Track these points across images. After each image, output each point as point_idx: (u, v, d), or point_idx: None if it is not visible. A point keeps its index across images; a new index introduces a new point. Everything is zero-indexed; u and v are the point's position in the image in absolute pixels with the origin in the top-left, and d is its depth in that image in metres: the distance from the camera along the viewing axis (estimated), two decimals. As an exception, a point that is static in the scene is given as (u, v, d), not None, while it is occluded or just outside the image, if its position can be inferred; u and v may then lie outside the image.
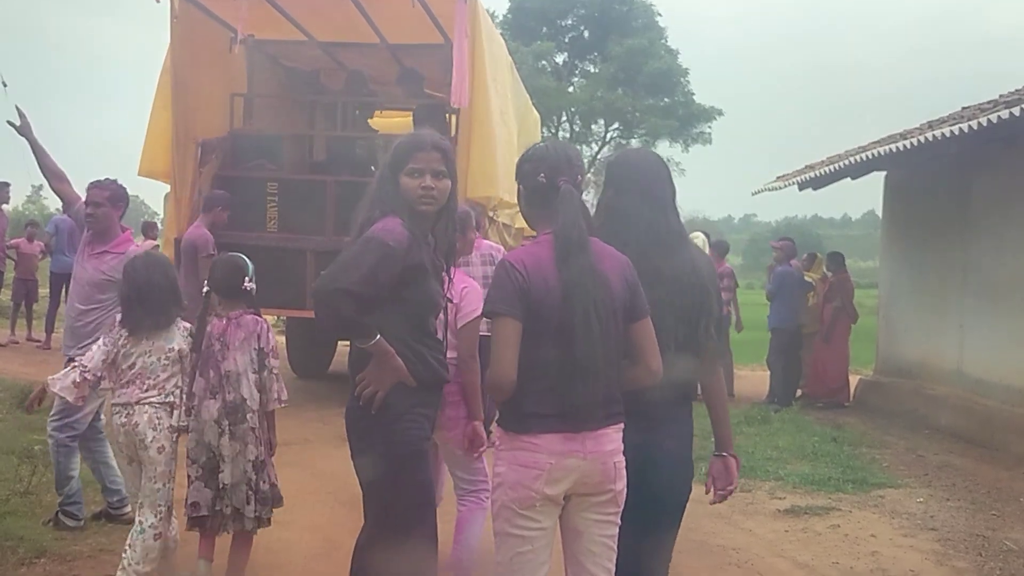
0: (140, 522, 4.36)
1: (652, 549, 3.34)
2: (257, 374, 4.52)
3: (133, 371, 4.43)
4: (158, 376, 4.45)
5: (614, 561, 3.15)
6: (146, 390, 4.43)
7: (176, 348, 4.51)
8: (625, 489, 3.10)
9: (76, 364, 4.48)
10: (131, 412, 4.40)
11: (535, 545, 3.04)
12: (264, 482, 4.52)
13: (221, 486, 4.44)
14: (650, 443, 3.20)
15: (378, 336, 3.27)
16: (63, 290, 13.20)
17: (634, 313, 3.09)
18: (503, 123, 9.00)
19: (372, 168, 9.71)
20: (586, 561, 3.12)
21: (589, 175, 36.28)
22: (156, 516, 4.37)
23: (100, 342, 4.52)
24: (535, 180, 3.15)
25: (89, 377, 4.41)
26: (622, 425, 3.10)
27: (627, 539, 3.17)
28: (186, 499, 4.49)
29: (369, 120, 11.88)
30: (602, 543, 3.11)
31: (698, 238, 9.79)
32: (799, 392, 11.60)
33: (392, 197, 3.39)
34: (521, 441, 3.02)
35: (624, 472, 3.09)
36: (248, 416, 4.47)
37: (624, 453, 3.12)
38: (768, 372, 11.98)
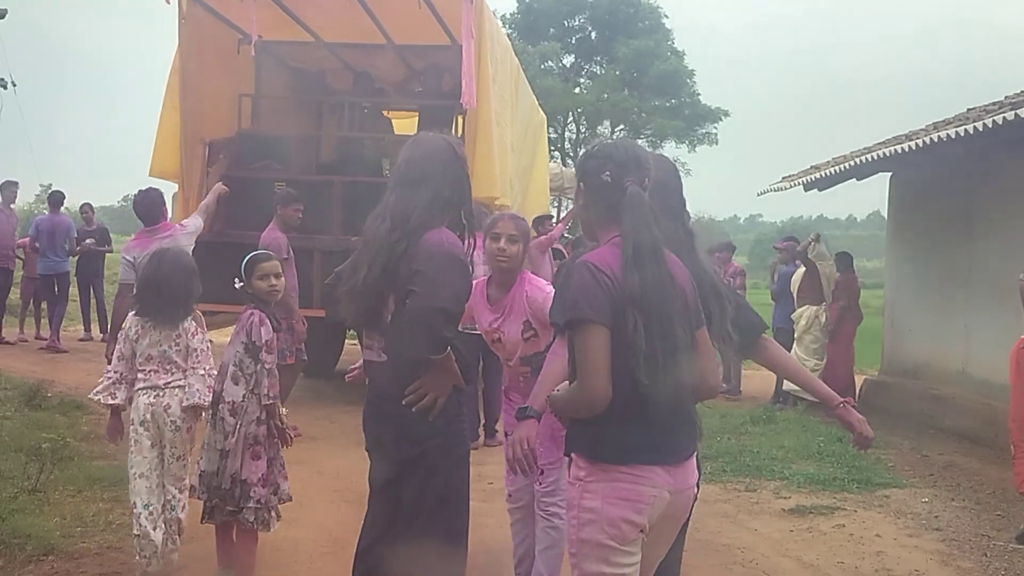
0: (168, 500, 4.56)
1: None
2: (238, 367, 4.58)
3: (154, 360, 4.58)
4: (177, 362, 4.58)
5: None
6: (172, 374, 4.58)
7: (188, 334, 4.61)
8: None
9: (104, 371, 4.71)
10: (160, 394, 4.56)
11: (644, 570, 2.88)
12: (255, 475, 4.54)
13: (199, 472, 4.59)
14: None
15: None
16: (55, 289, 13.31)
17: (699, 320, 2.93)
18: (498, 124, 9.04)
19: (384, 171, 9.74)
20: None
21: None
22: (180, 490, 4.60)
23: (118, 343, 4.69)
24: (599, 179, 2.88)
25: (114, 376, 4.60)
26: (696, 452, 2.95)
27: None
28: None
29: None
30: (669, 570, 3.16)
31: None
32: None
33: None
34: (619, 472, 2.74)
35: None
36: (220, 407, 4.56)
37: None
38: (773, 372, 11.98)
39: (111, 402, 4.60)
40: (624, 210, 2.80)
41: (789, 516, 6.56)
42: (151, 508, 4.50)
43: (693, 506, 3.28)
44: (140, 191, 7.31)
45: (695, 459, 2.92)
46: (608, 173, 2.85)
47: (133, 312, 4.68)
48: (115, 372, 4.60)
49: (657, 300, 2.71)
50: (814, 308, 10.79)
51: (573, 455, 2.85)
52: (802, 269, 11.16)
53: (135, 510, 4.50)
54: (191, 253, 5.72)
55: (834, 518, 6.51)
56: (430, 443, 3.38)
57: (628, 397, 2.69)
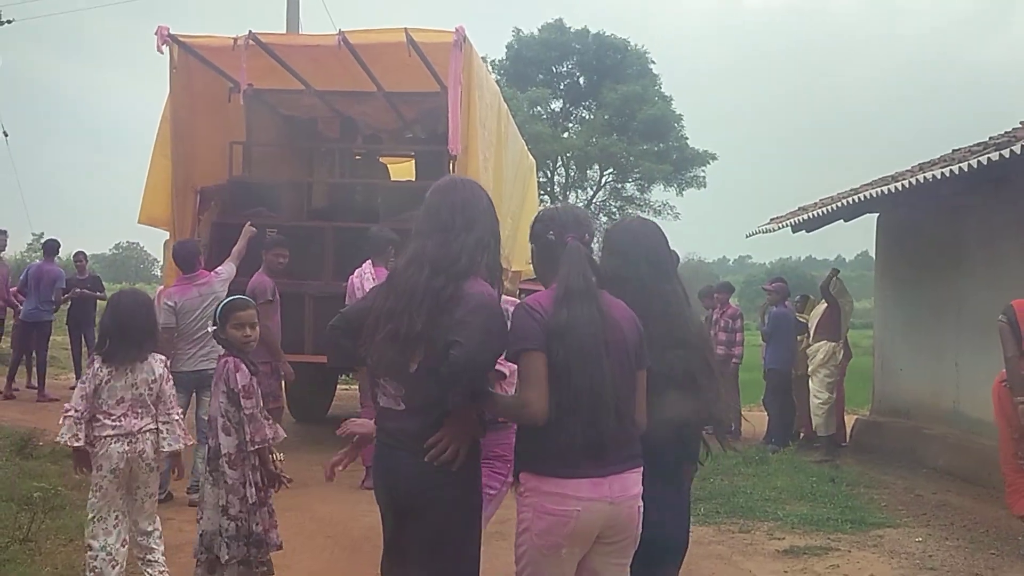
0: (150, 531, 4.82)
1: None
2: (225, 417, 4.57)
3: (125, 404, 4.67)
4: (148, 405, 4.70)
5: None
6: (143, 418, 4.69)
7: (158, 377, 4.69)
8: (639, 534, 3.18)
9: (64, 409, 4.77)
10: (134, 440, 4.65)
11: None
12: (257, 524, 4.54)
13: (200, 532, 4.57)
14: (649, 491, 3.25)
15: None
16: (33, 337, 13.24)
17: (640, 362, 3.22)
18: (487, 169, 9.12)
19: (377, 214, 9.79)
20: None
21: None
22: (152, 523, 4.84)
23: (79, 382, 4.84)
24: (545, 238, 3.30)
25: (73, 415, 4.68)
26: (642, 469, 3.18)
27: None
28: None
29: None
30: None
31: None
32: (801, 434, 11.56)
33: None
34: (548, 484, 3.07)
35: (639, 517, 3.17)
36: (220, 461, 4.53)
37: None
38: (765, 413, 11.98)
39: (76, 444, 4.69)
40: (563, 260, 3.19)
41: (783, 557, 6.54)
42: (108, 549, 4.65)
43: (686, 548, 3.37)
44: (179, 242, 7.98)
45: (640, 473, 3.18)
46: (552, 233, 3.28)
47: (100, 358, 4.73)
48: (75, 411, 4.67)
49: (582, 334, 3.05)
50: (832, 344, 10.76)
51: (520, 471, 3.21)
52: (823, 304, 11.13)
53: (90, 552, 4.63)
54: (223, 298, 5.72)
55: (828, 559, 6.49)
56: (446, 493, 3.27)
57: (556, 417, 3.03)
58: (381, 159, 12.04)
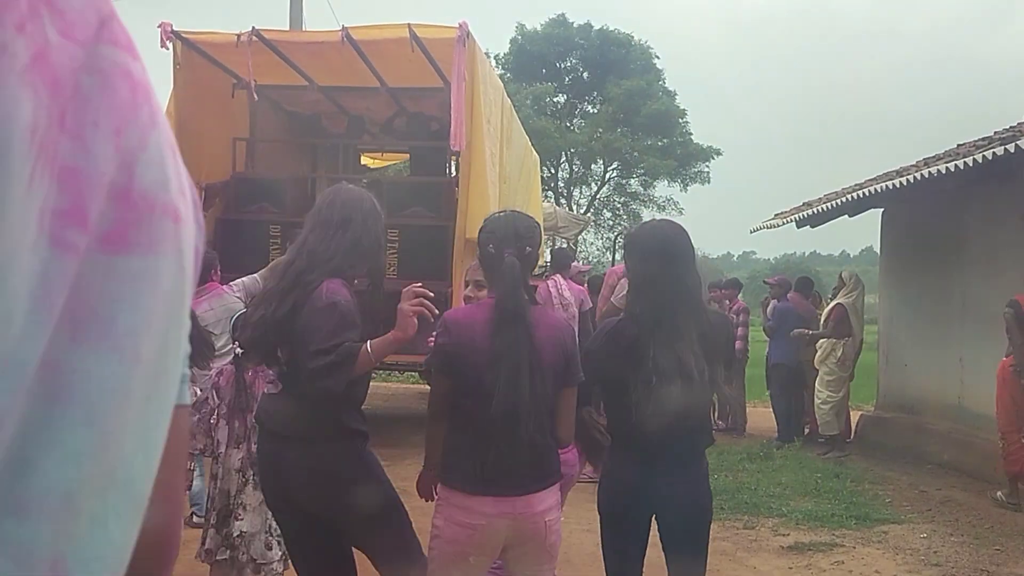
0: None
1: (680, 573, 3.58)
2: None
3: None
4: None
5: None
6: None
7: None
8: (557, 541, 3.35)
9: None
10: None
11: None
12: None
13: (237, 534, 4.50)
14: (662, 483, 3.43)
15: None
16: None
17: (569, 380, 3.33)
18: (493, 165, 9.10)
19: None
20: None
21: (589, 214, 36.18)
22: None
23: None
24: (486, 250, 3.39)
25: None
26: (557, 484, 3.34)
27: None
28: (202, 542, 4.58)
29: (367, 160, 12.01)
30: None
31: None
32: (807, 430, 11.53)
33: None
34: (457, 498, 3.25)
35: (557, 527, 3.33)
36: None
37: (639, 492, 3.40)
38: (773, 408, 11.95)
39: None
40: (496, 278, 3.30)
41: (788, 553, 6.54)
42: None
43: (708, 532, 3.59)
44: None
45: (552, 492, 3.31)
46: (491, 246, 3.35)
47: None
48: None
49: (508, 357, 3.15)
50: (834, 341, 10.68)
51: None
52: (835, 302, 11.09)
53: None
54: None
55: (833, 555, 6.49)
56: (343, 471, 3.37)
57: (465, 432, 3.26)
58: (371, 159, 12.04)
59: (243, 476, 4.52)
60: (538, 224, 3.61)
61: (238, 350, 4.70)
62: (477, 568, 3.29)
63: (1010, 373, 7.79)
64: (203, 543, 4.58)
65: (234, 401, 4.63)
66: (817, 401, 10.65)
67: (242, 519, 4.51)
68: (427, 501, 3.56)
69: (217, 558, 4.51)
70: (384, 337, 3.21)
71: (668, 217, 4.50)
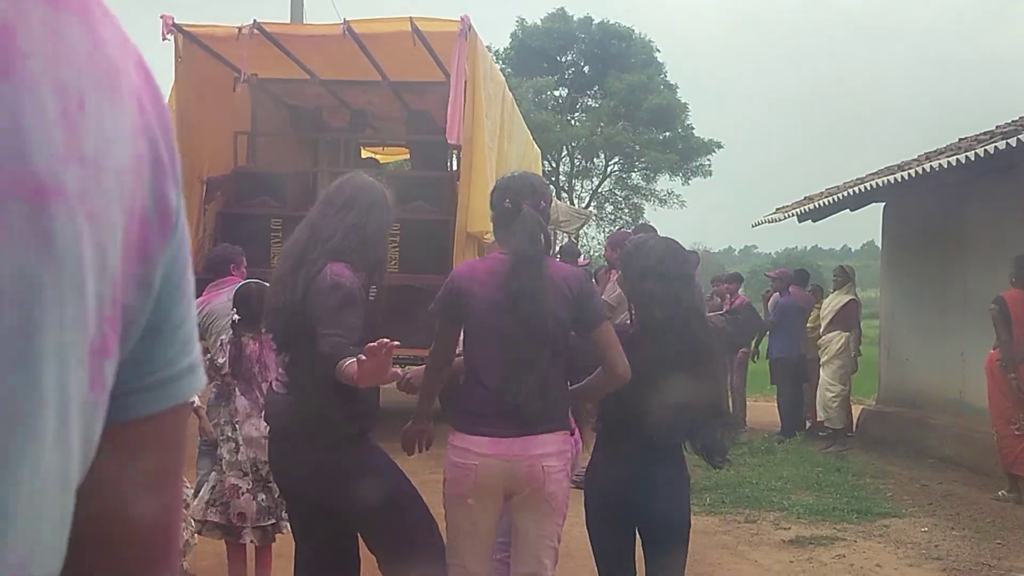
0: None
1: (661, 570, 3.58)
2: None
3: None
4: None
5: (552, 559, 3.38)
6: None
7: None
8: (560, 492, 3.33)
9: None
10: None
11: (474, 531, 3.35)
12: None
13: (279, 494, 4.52)
14: (648, 472, 3.43)
15: None
16: None
17: (589, 323, 3.33)
18: (492, 159, 9.11)
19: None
20: (523, 554, 3.37)
21: (590, 208, 36.17)
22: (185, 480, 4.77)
23: None
24: (502, 206, 3.42)
25: None
26: (561, 434, 3.34)
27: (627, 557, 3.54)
28: (229, 509, 4.59)
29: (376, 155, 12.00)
30: (537, 539, 3.35)
31: None
32: (808, 424, 11.54)
33: None
34: (457, 439, 3.33)
35: (558, 476, 3.30)
36: None
37: (625, 481, 3.40)
38: (776, 402, 11.95)
39: None
40: (516, 224, 3.33)
41: (789, 547, 6.54)
42: None
43: (688, 527, 3.55)
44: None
45: (554, 438, 3.31)
46: (508, 201, 3.40)
47: None
48: None
49: (524, 299, 3.22)
50: (847, 334, 10.72)
51: None
52: (839, 296, 11.07)
53: None
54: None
55: (834, 548, 6.49)
56: (345, 467, 3.38)
57: (474, 375, 3.33)
58: (378, 152, 12.03)
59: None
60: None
61: (235, 317, 4.75)
62: (479, 513, 3.32)
63: (997, 367, 8.00)
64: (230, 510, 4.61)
65: (246, 372, 4.69)
66: (829, 395, 10.63)
67: (272, 489, 4.58)
68: (409, 455, 3.63)
69: (247, 524, 4.57)
70: (350, 364, 3.02)
71: (668, 235, 4.42)
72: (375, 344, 2.80)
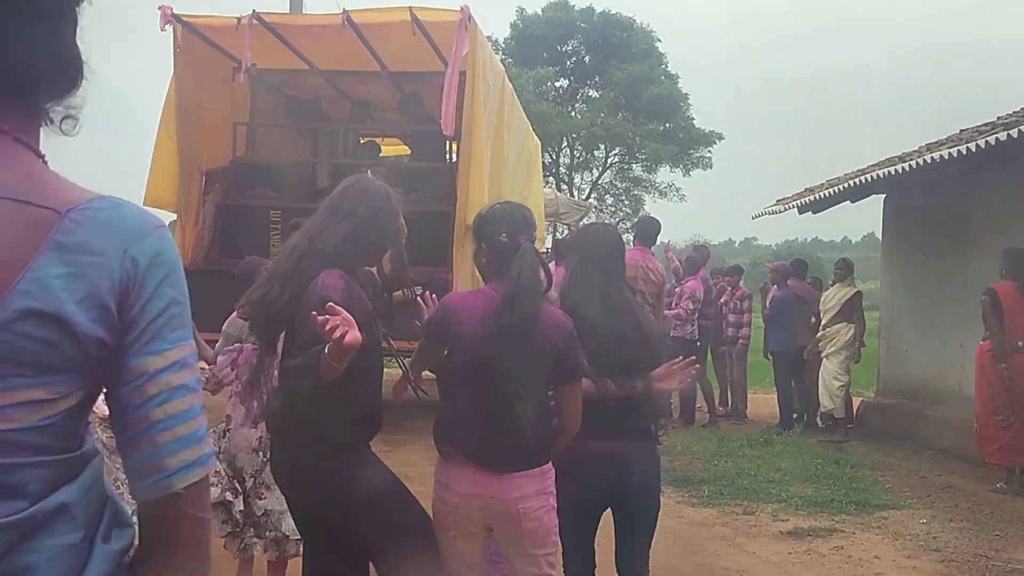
0: None
1: (630, 550, 3.84)
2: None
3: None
4: None
5: None
6: None
7: None
8: (540, 528, 3.34)
9: None
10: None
11: (461, 557, 3.38)
12: None
13: (261, 512, 4.53)
14: (619, 457, 3.68)
15: None
16: None
17: (565, 377, 3.36)
18: (490, 149, 9.09)
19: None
20: None
21: (590, 200, 36.14)
22: None
23: None
24: (497, 240, 3.39)
25: None
26: (539, 470, 3.34)
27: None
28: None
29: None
30: (522, 570, 3.39)
31: None
32: (804, 416, 11.52)
33: None
34: (440, 472, 3.37)
35: (537, 515, 3.32)
36: None
37: (597, 464, 3.61)
38: (777, 395, 11.92)
39: None
40: (516, 259, 3.30)
41: (787, 539, 6.55)
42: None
43: (657, 509, 3.82)
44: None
45: (529, 478, 3.31)
46: (505, 235, 3.37)
47: None
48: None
49: (515, 335, 3.21)
50: (852, 326, 10.71)
51: None
52: (841, 288, 11.05)
53: None
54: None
55: (832, 540, 6.50)
56: (348, 491, 3.29)
57: (456, 408, 3.36)
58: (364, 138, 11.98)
59: (261, 455, 4.52)
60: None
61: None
62: (463, 543, 3.36)
63: (988, 358, 8.11)
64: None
65: (250, 380, 4.62)
66: (836, 384, 10.59)
67: (265, 498, 4.54)
68: (395, 399, 3.82)
69: (235, 515, 4.55)
70: (321, 354, 2.92)
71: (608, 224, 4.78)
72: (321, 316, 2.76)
